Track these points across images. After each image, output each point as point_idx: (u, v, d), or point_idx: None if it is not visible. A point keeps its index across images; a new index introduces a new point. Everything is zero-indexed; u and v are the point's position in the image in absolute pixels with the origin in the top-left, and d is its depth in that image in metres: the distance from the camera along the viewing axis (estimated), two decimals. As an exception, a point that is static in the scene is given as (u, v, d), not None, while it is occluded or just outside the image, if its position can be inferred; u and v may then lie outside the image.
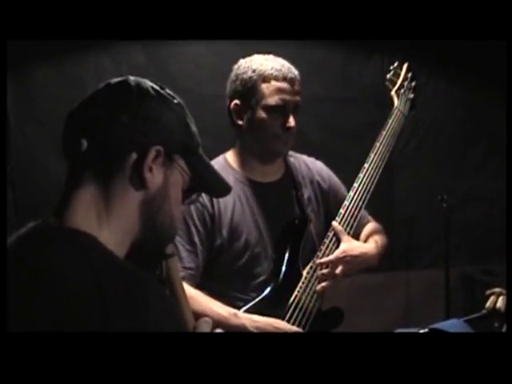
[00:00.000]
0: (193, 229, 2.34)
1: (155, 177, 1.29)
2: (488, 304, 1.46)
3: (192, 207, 2.33)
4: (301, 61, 3.68)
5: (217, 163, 2.43)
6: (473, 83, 4.09)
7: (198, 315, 1.95)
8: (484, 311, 1.46)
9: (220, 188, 1.49)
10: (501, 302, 1.44)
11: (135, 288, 1.17)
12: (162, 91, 1.34)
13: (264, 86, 2.34)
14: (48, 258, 1.20)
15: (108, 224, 1.26)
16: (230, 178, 2.39)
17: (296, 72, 2.41)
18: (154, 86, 1.33)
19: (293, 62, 2.46)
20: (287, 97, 2.35)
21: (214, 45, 3.67)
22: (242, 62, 2.43)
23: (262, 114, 2.35)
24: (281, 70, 2.36)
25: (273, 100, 2.34)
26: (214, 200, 2.36)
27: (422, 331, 1.40)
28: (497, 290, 1.47)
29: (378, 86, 3.77)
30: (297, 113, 2.39)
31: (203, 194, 2.31)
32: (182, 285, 1.58)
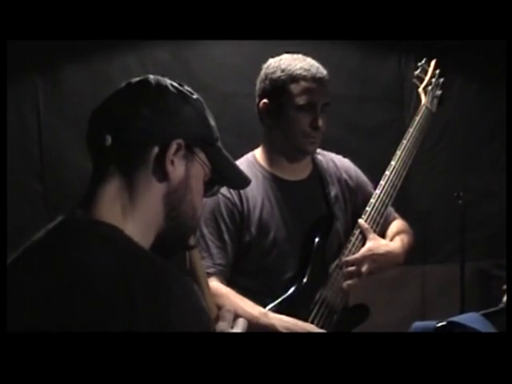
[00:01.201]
0: (223, 226, 2.33)
1: (177, 169, 1.29)
2: (505, 298, 1.43)
3: (222, 205, 2.33)
4: (319, 60, 3.69)
5: (246, 160, 2.44)
6: (487, 82, 4.06)
7: None
8: (502, 305, 1.43)
9: (239, 180, 1.49)
10: (517, 296, 1.42)
11: (160, 277, 1.17)
12: (181, 88, 1.34)
13: (293, 86, 2.31)
14: (75, 250, 1.20)
15: (133, 216, 1.27)
16: (258, 176, 2.40)
17: (325, 72, 2.39)
18: (173, 83, 1.34)
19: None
20: (316, 97, 2.33)
21: (236, 44, 3.67)
22: (271, 61, 2.40)
23: (290, 113, 2.33)
24: (309, 69, 2.34)
25: (301, 100, 2.31)
26: (244, 198, 2.35)
27: (439, 324, 1.37)
28: (513, 284, 1.45)
29: (395, 85, 3.77)
30: (325, 112, 2.37)
31: (233, 192, 2.34)
32: (204, 276, 1.57)
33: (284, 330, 2.21)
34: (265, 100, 2.38)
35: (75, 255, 1.19)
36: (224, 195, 2.32)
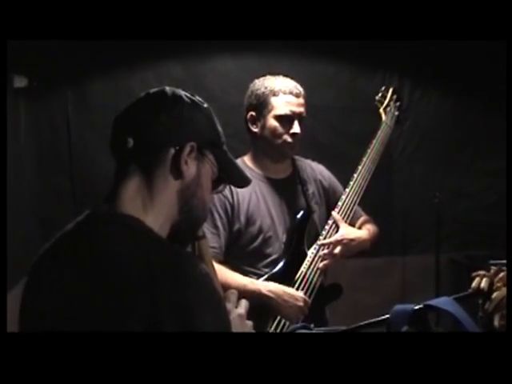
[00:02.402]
0: (216, 215, 2.41)
1: (190, 168, 1.30)
2: (474, 284, 1.44)
3: (216, 198, 2.41)
4: (315, 75, 3.71)
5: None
6: (461, 96, 4.05)
7: (222, 283, 2.00)
8: (470, 290, 1.44)
9: (241, 180, 1.50)
10: (484, 283, 1.42)
11: (179, 262, 1.18)
12: (193, 97, 1.35)
13: (274, 99, 2.43)
14: (103, 240, 1.20)
15: (152, 209, 1.27)
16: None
17: (301, 88, 2.49)
18: (187, 94, 1.35)
19: (307, 76, 2.49)
20: (293, 108, 2.43)
21: (239, 61, 3.68)
22: (256, 81, 2.52)
23: (272, 122, 2.44)
24: (288, 86, 2.45)
25: (282, 110, 2.42)
26: (234, 192, 2.44)
27: (416, 307, 1.37)
28: (481, 272, 1.45)
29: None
30: (301, 122, 2.46)
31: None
32: (211, 262, 1.58)
33: (268, 293, 2.33)
34: (252, 112, 2.48)
35: (102, 244, 1.19)
36: None
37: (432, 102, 4.01)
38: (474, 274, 1.45)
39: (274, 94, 2.43)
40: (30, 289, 1.25)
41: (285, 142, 2.44)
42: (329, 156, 2.75)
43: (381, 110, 2.85)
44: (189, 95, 1.35)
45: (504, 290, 1.40)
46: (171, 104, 1.31)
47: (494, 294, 1.40)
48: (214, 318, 1.18)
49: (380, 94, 2.91)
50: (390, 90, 2.92)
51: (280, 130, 2.43)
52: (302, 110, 2.46)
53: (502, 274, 1.42)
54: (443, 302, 1.39)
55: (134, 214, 1.24)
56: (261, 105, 2.45)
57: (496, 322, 1.39)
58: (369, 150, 2.65)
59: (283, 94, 2.43)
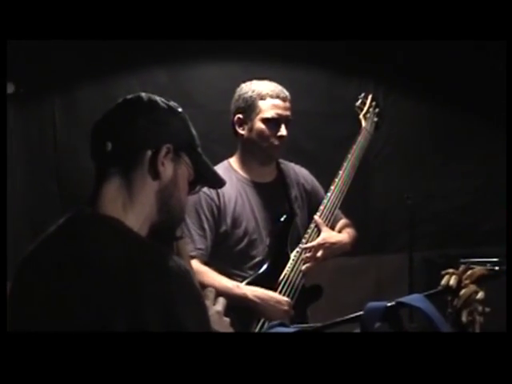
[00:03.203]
0: (203, 217, 2.41)
1: (167, 169, 1.33)
2: (443, 282, 1.45)
3: (202, 200, 2.41)
4: (294, 82, 3.72)
5: (222, 165, 2.52)
6: (436, 101, 4.09)
7: (208, 285, 1.99)
8: (440, 287, 1.46)
9: (216, 181, 1.53)
10: (453, 280, 1.44)
11: (159, 259, 1.20)
12: (169, 103, 1.39)
13: (261, 103, 2.44)
14: (85, 240, 1.22)
15: (132, 209, 1.29)
16: (232, 178, 2.49)
17: (287, 93, 2.50)
18: (162, 99, 1.38)
19: (288, 83, 2.51)
20: (280, 111, 2.44)
21: (222, 68, 3.69)
22: (243, 85, 2.52)
23: (259, 125, 2.44)
24: (274, 90, 2.46)
25: (268, 113, 2.43)
26: (220, 195, 2.43)
27: (389, 304, 1.39)
28: (450, 270, 1.47)
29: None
30: (288, 125, 2.47)
31: (212, 190, 2.40)
32: (189, 262, 1.60)
33: (254, 298, 2.33)
34: (239, 115, 2.48)
35: (84, 245, 1.21)
36: (204, 192, 2.40)
37: (408, 107, 4.04)
38: (443, 272, 1.47)
39: (262, 97, 2.44)
40: (15, 292, 1.25)
41: (271, 144, 2.45)
42: (309, 161, 2.77)
43: (360, 117, 2.85)
44: (164, 100, 1.38)
45: (472, 287, 1.42)
46: (148, 109, 1.34)
47: (462, 291, 1.42)
48: (195, 313, 1.20)
49: (360, 101, 2.91)
50: (370, 97, 2.92)
51: (267, 132, 2.43)
52: (288, 113, 2.47)
53: (469, 272, 1.45)
54: (414, 298, 1.40)
55: (115, 214, 1.26)
56: (248, 108, 2.45)
57: (464, 318, 1.41)
58: (349, 156, 2.65)
59: (270, 97, 2.44)
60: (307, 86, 3.85)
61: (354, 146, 2.68)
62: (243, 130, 2.48)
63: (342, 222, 2.72)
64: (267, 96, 2.44)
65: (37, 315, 1.18)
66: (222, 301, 1.48)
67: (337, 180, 2.58)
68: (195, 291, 1.23)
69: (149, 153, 1.31)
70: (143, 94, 1.38)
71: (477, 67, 4.01)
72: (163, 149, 1.32)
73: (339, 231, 2.66)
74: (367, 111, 2.86)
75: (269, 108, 2.43)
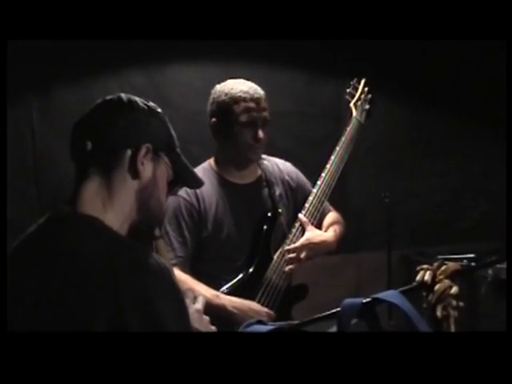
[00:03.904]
0: (183, 224, 2.36)
1: (146, 169, 1.34)
2: (418, 277, 1.47)
3: (182, 206, 2.36)
4: (271, 82, 3.73)
5: (202, 168, 2.47)
6: (411, 101, 4.13)
7: None
8: (415, 283, 1.47)
9: (194, 182, 1.55)
10: (428, 276, 1.46)
11: (139, 257, 1.21)
12: (148, 103, 1.41)
13: (235, 107, 2.35)
14: (65, 239, 1.22)
15: (112, 208, 1.30)
16: (213, 181, 2.44)
17: (262, 92, 2.41)
18: (142, 100, 1.40)
19: (264, 83, 2.49)
20: (255, 114, 2.36)
21: (200, 69, 3.69)
22: (217, 87, 2.44)
23: (235, 129, 2.37)
24: (248, 91, 2.37)
25: (243, 117, 2.35)
26: (201, 199, 2.38)
27: (365, 300, 1.41)
28: (424, 266, 1.49)
29: (333, 103, 3.82)
30: (265, 126, 2.40)
31: (191, 195, 2.37)
32: (168, 261, 1.60)
33: (232, 310, 2.28)
34: (214, 119, 2.42)
35: (64, 244, 1.21)
36: (184, 198, 2.36)
37: (384, 106, 4.06)
38: (418, 268, 1.49)
39: (235, 101, 2.35)
40: None
41: (249, 147, 2.39)
42: (286, 161, 2.76)
43: (351, 105, 2.70)
44: (144, 101, 1.40)
45: (446, 282, 1.44)
46: (127, 109, 1.36)
47: (437, 286, 1.44)
48: (175, 310, 1.21)
49: (351, 87, 2.76)
50: (362, 82, 2.78)
51: (243, 137, 2.37)
52: (264, 114, 2.39)
53: (444, 267, 1.46)
54: (390, 294, 1.42)
55: (94, 213, 1.27)
56: (222, 113, 2.38)
57: (438, 313, 1.43)
58: (338, 148, 2.55)
59: (244, 101, 2.35)
60: (285, 86, 3.87)
61: (343, 138, 2.58)
62: (219, 134, 2.43)
63: (331, 216, 2.67)
64: (241, 100, 2.35)
65: (17, 314, 1.18)
66: (201, 299, 1.49)
67: (323, 174, 2.51)
68: (175, 289, 1.24)
69: (128, 152, 1.33)
70: (123, 95, 1.39)
71: (453, 65, 4.05)
72: (143, 148, 1.33)
73: (326, 229, 2.60)
74: (358, 98, 2.72)
75: (243, 112, 2.35)
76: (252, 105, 2.36)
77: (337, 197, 2.86)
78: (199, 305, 1.47)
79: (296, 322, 1.48)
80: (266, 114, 2.41)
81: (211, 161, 2.52)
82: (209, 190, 2.39)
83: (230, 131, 2.38)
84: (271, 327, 1.44)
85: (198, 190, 2.35)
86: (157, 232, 1.49)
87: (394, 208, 3.57)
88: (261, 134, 2.38)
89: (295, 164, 2.70)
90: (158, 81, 3.68)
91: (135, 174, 1.33)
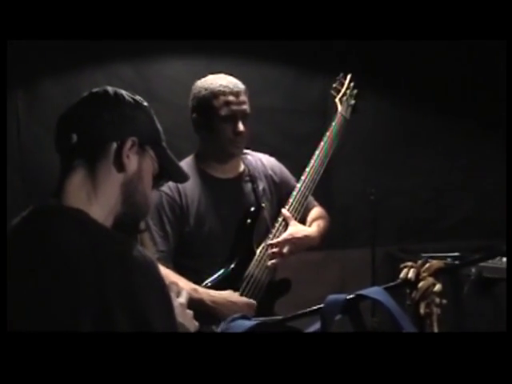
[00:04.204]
0: (165, 218, 2.37)
1: (131, 162, 1.34)
2: (402, 275, 1.49)
3: (164, 201, 2.37)
4: (259, 78, 3.75)
5: (186, 163, 2.46)
6: (399, 98, 4.14)
7: None
8: (398, 280, 1.49)
9: (180, 176, 1.55)
10: (411, 273, 1.47)
11: (124, 250, 1.21)
12: (134, 96, 1.41)
13: (215, 101, 2.37)
14: (48, 232, 1.22)
15: (96, 201, 1.30)
16: (196, 176, 2.44)
17: (242, 86, 2.42)
18: (128, 93, 1.40)
19: (253, 79, 2.50)
20: (234, 107, 2.37)
21: (188, 63, 3.68)
22: (197, 82, 2.46)
23: (215, 123, 2.39)
24: (227, 86, 2.38)
25: (223, 111, 2.36)
26: (183, 194, 2.39)
27: (348, 297, 1.42)
28: (409, 263, 1.50)
29: (320, 99, 3.82)
30: (246, 120, 2.41)
31: (173, 190, 2.38)
32: (153, 254, 1.60)
33: (210, 304, 2.28)
34: (195, 114, 2.44)
35: (48, 236, 1.21)
36: (166, 193, 2.37)
37: (370, 103, 4.07)
38: (402, 265, 1.51)
39: (214, 95, 2.37)
40: None
41: (230, 141, 2.39)
42: (275, 157, 2.77)
43: (336, 100, 2.72)
44: (130, 94, 1.40)
45: (429, 280, 1.46)
46: (113, 102, 1.36)
47: (420, 284, 1.45)
48: (160, 303, 1.21)
49: (337, 82, 2.77)
50: (348, 77, 2.79)
51: (223, 130, 2.38)
52: (244, 107, 2.40)
53: (427, 265, 1.48)
54: (374, 291, 1.43)
55: (79, 206, 1.27)
56: (202, 107, 2.40)
57: (422, 310, 1.44)
58: (322, 143, 2.56)
59: (223, 95, 2.37)
60: (272, 82, 3.87)
61: (328, 133, 2.59)
62: (200, 129, 2.45)
63: (315, 212, 2.67)
64: (220, 94, 2.37)
65: (5, 310, 1.17)
66: (185, 293, 1.49)
67: (308, 169, 2.52)
68: (160, 281, 1.24)
69: (114, 145, 1.33)
70: (109, 88, 1.40)
71: (439, 63, 4.06)
72: (128, 141, 1.34)
73: (310, 224, 2.61)
74: (344, 93, 2.72)
75: (222, 106, 2.36)
76: (231, 98, 2.38)
77: (322, 193, 2.89)
78: (183, 299, 1.47)
79: (280, 317, 1.49)
80: (245, 107, 2.42)
81: (193, 156, 2.53)
82: (191, 184, 2.39)
83: (211, 125, 2.40)
84: (255, 322, 1.44)
85: (180, 185, 2.36)
86: (142, 225, 1.50)
87: (379, 205, 3.58)
88: (241, 127, 2.39)
89: (282, 160, 2.71)
90: (146, 74, 3.67)
91: (120, 167, 1.33)
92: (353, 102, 2.73)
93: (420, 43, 3.53)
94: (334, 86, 2.76)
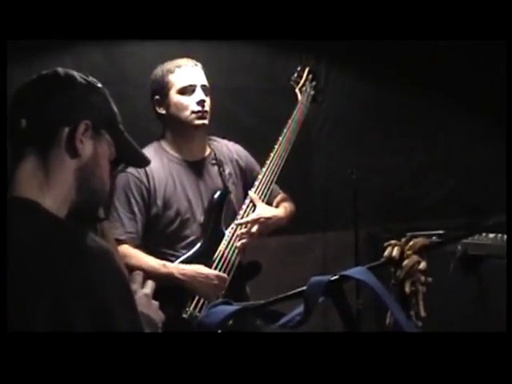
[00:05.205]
0: (132, 200, 2.41)
1: (86, 147, 1.29)
2: (386, 253, 1.47)
3: (131, 183, 2.41)
4: (233, 58, 3.71)
5: (152, 146, 2.53)
6: (376, 76, 4.11)
7: (136, 267, 2.03)
8: (383, 259, 1.47)
9: (139, 160, 1.51)
10: (396, 251, 1.46)
11: (76, 240, 1.17)
12: (87, 78, 1.36)
13: (171, 76, 2.46)
14: None
15: (49, 190, 1.25)
16: (163, 159, 2.50)
17: (198, 63, 2.52)
18: (80, 74, 1.35)
19: (226, 59, 2.50)
20: (191, 77, 2.46)
21: (162, 46, 3.61)
22: (155, 70, 2.55)
23: (175, 97, 2.45)
24: (182, 60, 2.50)
25: (180, 83, 2.44)
26: (150, 176, 2.43)
27: (332, 278, 1.39)
28: (392, 242, 1.48)
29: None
30: (206, 92, 2.48)
31: (141, 172, 2.40)
32: (115, 245, 1.58)
33: (180, 276, 2.35)
34: (156, 96, 2.50)
35: None
36: (133, 174, 2.41)
37: (348, 82, 4.06)
38: (385, 243, 1.49)
39: (170, 71, 2.46)
40: None
41: (192, 112, 2.44)
42: (247, 137, 2.78)
43: (296, 90, 2.88)
44: (83, 75, 1.35)
45: (414, 258, 1.44)
46: (64, 84, 1.31)
47: (405, 262, 1.43)
48: (120, 294, 1.17)
49: (296, 74, 2.93)
50: (306, 70, 2.94)
51: (185, 101, 2.44)
52: (202, 78, 2.49)
53: (412, 243, 1.46)
54: (357, 271, 1.41)
55: (30, 196, 1.22)
56: (161, 86, 2.47)
57: (407, 289, 1.43)
58: (285, 130, 2.68)
59: (178, 68, 2.46)
60: (247, 63, 3.82)
61: (290, 121, 2.71)
62: (162, 108, 2.50)
63: (280, 196, 2.74)
64: (175, 68, 2.46)
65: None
66: (150, 284, 1.47)
67: (272, 154, 2.60)
68: (119, 273, 1.20)
69: (66, 130, 1.28)
70: (59, 69, 1.34)
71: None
72: (81, 125, 1.29)
73: (276, 206, 2.68)
74: (303, 84, 2.89)
75: (179, 78, 2.45)
76: (187, 70, 2.47)
77: (302, 175, 2.90)
78: (148, 289, 1.44)
79: (262, 301, 1.47)
80: (204, 79, 2.49)
81: (161, 141, 2.56)
82: (158, 166, 2.45)
83: (172, 101, 2.45)
84: (236, 307, 1.42)
85: (147, 168, 2.37)
86: (101, 213, 1.46)
87: (359, 185, 3.58)
88: (201, 95, 2.45)
89: (255, 141, 2.80)
90: (118, 57, 3.60)
91: (73, 152, 1.28)
92: (312, 92, 2.90)
93: (416, 41, 3.51)
94: (293, 78, 2.93)
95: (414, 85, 4.11)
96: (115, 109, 1.39)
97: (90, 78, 1.37)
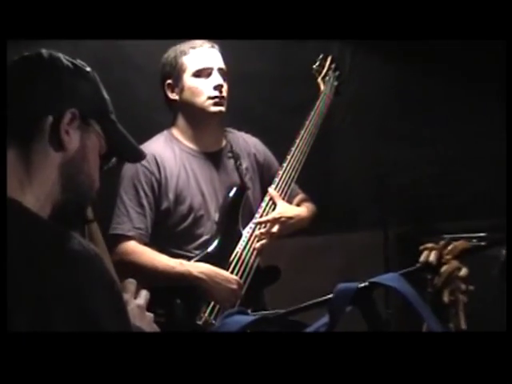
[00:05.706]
0: (141, 193, 2.37)
1: (72, 139, 1.25)
2: (422, 258, 1.44)
3: (140, 173, 2.37)
4: (243, 43, 3.66)
5: (162, 135, 2.50)
6: (402, 62, 4.07)
7: (146, 267, 2.00)
8: (418, 265, 1.44)
9: (134, 153, 1.46)
10: (433, 256, 1.43)
11: (62, 242, 1.13)
12: (74, 61, 1.31)
13: (185, 58, 2.42)
14: None
15: (31, 188, 1.21)
16: (175, 149, 2.46)
17: (215, 45, 2.49)
18: (67, 57, 1.30)
19: (236, 44, 2.47)
20: (208, 59, 2.43)
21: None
22: (168, 51, 2.51)
23: (190, 80, 2.41)
24: (197, 42, 2.46)
25: (196, 65, 2.41)
26: (161, 167, 2.39)
27: (361, 285, 1.36)
28: (429, 245, 1.45)
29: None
30: (223, 76, 2.45)
31: (151, 162, 2.36)
32: (105, 249, 1.55)
33: (199, 275, 2.31)
34: (168, 81, 2.47)
35: None
36: (142, 164, 2.36)
37: (372, 71, 4.01)
38: (421, 247, 1.46)
39: (185, 53, 2.42)
40: None
41: (209, 97, 2.40)
42: (261, 128, 2.75)
43: (319, 80, 2.87)
44: (69, 58, 1.30)
45: (454, 264, 1.41)
46: (48, 67, 1.26)
47: (443, 268, 1.41)
48: (108, 303, 1.14)
49: (318, 63, 2.92)
50: (329, 59, 2.94)
51: (200, 85, 2.41)
52: (219, 62, 2.45)
53: (451, 246, 1.43)
54: (389, 278, 1.38)
55: (10, 194, 1.17)
56: (174, 69, 2.43)
57: (445, 298, 1.40)
58: (307, 123, 2.65)
59: (193, 49, 2.42)
60: (259, 48, 3.77)
61: (312, 113, 2.69)
62: (175, 94, 2.46)
63: (300, 196, 2.71)
64: (189, 49, 2.42)
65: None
66: (144, 294, 1.43)
67: (293, 149, 2.58)
68: (107, 278, 1.17)
69: (50, 119, 1.23)
70: (44, 51, 1.30)
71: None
72: (67, 114, 1.24)
73: (297, 204, 2.66)
74: (326, 74, 2.88)
75: (194, 60, 2.41)
76: (203, 51, 2.43)
77: (321, 171, 2.87)
78: (141, 300, 1.41)
79: (281, 311, 1.44)
80: (221, 64, 2.45)
81: (172, 130, 2.52)
82: (169, 156, 2.41)
83: (186, 85, 2.42)
84: (254, 318, 1.39)
85: (158, 157, 2.36)
86: (89, 214, 1.43)
87: (385, 182, 3.54)
88: (219, 79, 2.41)
89: (270, 131, 2.82)
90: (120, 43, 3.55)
91: (58, 145, 1.23)
92: (336, 83, 2.90)
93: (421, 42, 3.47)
94: (315, 67, 2.91)
95: (446, 68, 4.05)
96: (106, 96, 1.35)
97: (78, 61, 1.32)
